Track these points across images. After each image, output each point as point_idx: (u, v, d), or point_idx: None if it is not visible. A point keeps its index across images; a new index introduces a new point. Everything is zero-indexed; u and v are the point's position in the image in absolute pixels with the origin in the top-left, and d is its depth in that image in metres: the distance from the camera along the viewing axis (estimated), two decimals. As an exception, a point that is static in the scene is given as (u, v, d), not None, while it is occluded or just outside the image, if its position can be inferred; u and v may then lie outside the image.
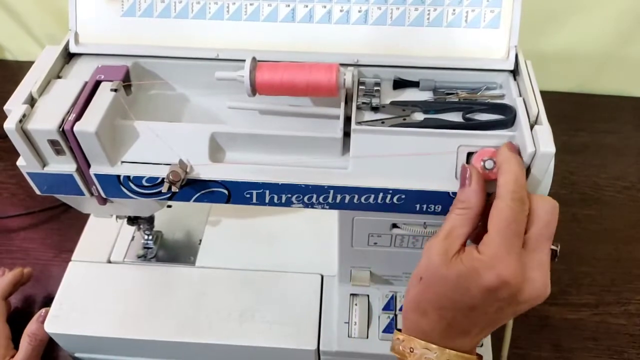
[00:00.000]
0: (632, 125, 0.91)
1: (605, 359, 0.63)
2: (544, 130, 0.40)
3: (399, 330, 0.43)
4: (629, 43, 0.89)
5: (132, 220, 0.58)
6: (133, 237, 0.63)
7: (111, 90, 0.44)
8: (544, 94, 0.43)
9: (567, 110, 0.93)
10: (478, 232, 0.40)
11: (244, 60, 0.43)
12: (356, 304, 0.57)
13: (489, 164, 0.41)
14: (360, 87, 0.46)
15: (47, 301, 0.65)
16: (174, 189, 0.43)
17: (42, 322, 0.57)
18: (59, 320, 0.57)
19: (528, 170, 0.41)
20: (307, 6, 0.46)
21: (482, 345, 0.56)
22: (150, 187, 0.45)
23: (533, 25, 0.87)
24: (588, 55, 0.92)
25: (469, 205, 0.40)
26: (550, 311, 0.68)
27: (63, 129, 0.42)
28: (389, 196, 0.43)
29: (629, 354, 0.64)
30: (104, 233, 0.64)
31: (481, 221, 0.40)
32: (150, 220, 0.60)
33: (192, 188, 0.45)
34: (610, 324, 0.66)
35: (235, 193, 0.45)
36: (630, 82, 0.94)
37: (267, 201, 0.45)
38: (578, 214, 0.78)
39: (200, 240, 0.64)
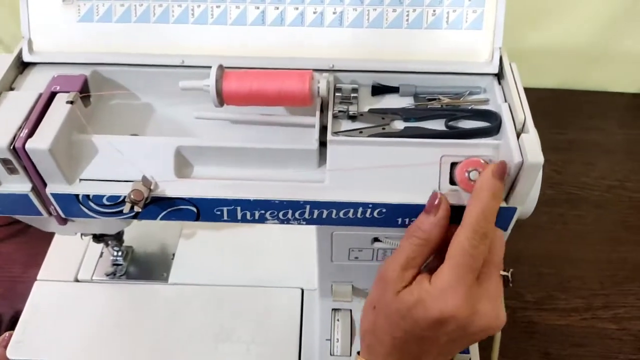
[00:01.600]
0: (617, 122, 0.90)
1: (595, 366, 0.62)
2: (532, 139, 0.37)
3: (359, 353, 0.43)
4: (614, 38, 0.88)
5: (98, 238, 0.55)
6: (101, 254, 0.60)
7: (67, 102, 0.41)
8: (527, 91, 0.41)
9: (550, 107, 0.92)
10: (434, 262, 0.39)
11: (211, 67, 0.40)
12: (338, 320, 0.54)
13: (474, 175, 0.38)
14: (337, 94, 0.43)
15: (15, 321, 0.62)
16: (136, 208, 0.40)
17: (5, 346, 0.54)
18: (22, 345, 0.54)
19: (515, 182, 0.38)
20: (277, 8, 0.43)
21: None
22: (113, 206, 0.42)
23: (514, 20, 0.84)
24: (571, 51, 0.91)
25: (429, 237, 0.39)
26: (538, 317, 0.66)
27: (14, 146, 0.38)
28: (369, 210, 0.41)
29: (619, 359, 0.62)
30: (71, 250, 0.61)
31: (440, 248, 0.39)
32: (118, 236, 0.57)
33: (157, 206, 0.42)
34: (599, 329, 0.65)
35: (204, 210, 0.42)
36: (615, 77, 0.93)
37: (239, 218, 0.43)
38: (565, 215, 0.76)
39: (174, 255, 0.61)
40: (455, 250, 0.37)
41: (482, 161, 0.39)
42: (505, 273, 0.40)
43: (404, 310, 0.38)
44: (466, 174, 0.39)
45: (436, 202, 0.38)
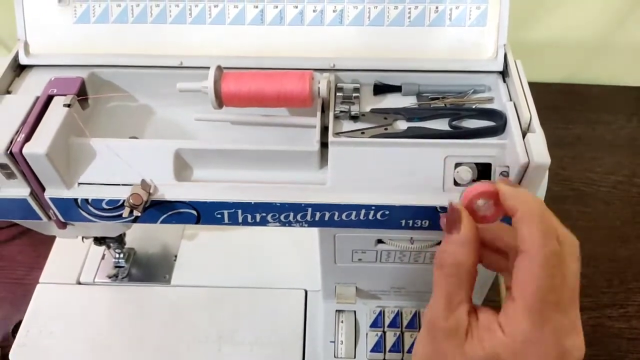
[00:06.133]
0: (625, 116, 0.88)
1: (604, 366, 0.61)
2: (538, 139, 0.36)
3: None
4: (621, 30, 0.86)
5: (99, 241, 0.54)
6: (103, 256, 0.60)
7: (64, 105, 0.41)
8: (533, 85, 0.40)
9: (556, 101, 0.90)
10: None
11: (209, 68, 0.40)
12: (342, 321, 0.54)
13: (484, 206, 0.32)
14: (338, 93, 0.43)
15: (19, 324, 0.61)
16: (135, 212, 0.39)
17: None
18: (25, 349, 0.53)
19: (520, 183, 0.37)
20: (277, 7, 0.43)
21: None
22: (112, 210, 0.41)
23: (520, 13, 0.84)
24: (578, 44, 0.89)
25: (460, 261, 0.31)
26: (545, 316, 0.65)
27: (11, 151, 0.38)
28: (371, 212, 0.40)
29: (629, 359, 0.61)
30: (73, 252, 0.60)
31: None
32: (119, 239, 0.56)
33: (157, 210, 0.41)
34: (608, 328, 0.64)
35: (205, 214, 0.41)
36: (622, 70, 0.91)
37: (240, 221, 0.42)
38: (572, 212, 0.75)
39: (176, 257, 0.61)
40: (528, 286, 0.29)
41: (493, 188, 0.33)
42: None
43: None
44: (475, 205, 0.33)
45: (456, 216, 0.31)
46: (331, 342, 0.53)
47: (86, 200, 0.41)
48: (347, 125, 0.41)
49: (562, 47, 0.89)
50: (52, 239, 0.63)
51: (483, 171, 0.39)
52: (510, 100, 0.40)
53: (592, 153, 0.83)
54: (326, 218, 0.41)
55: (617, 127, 0.87)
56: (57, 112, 0.40)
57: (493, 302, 0.58)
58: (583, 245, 0.72)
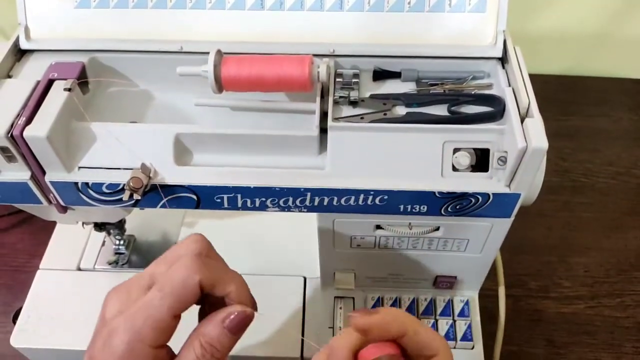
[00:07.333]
0: (625, 108, 0.89)
1: (601, 354, 0.61)
2: (536, 124, 0.37)
3: None
4: (621, 23, 0.86)
5: (100, 227, 0.55)
6: (104, 242, 0.60)
7: (65, 89, 0.41)
8: (533, 77, 0.40)
9: (557, 93, 0.91)
10: None
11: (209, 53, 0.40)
12: (341, 308, 0.54)
13: None
14: (337, 79, 0.43)
15: (20, 310, 0.62)
16: (136, 196, 0.39)
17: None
18: (26, 334, 0.54)
19: (519, 167, 0.37)
20: (277, -8, 0.43)
21: (473, 348, 0.54)
22: (112, 194, 0.41)
23: (520, 5, 0.84)
24: (578, 36, 0.89)
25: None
26: (543, 305, 0.65)
27: (12, 134, 0.38)
28: (370, 197, 0.40)
29: (626, 347, 0.62)
30: (74, 239, 0.60)
31: None
32: (119, 225, 0.56)
33: (157, 194, 0.41)
34: (605, 317, 0.64)
35: (204, 198, 0.42)
36: (622, 63, 0.92)
37: (239, 206, 0.42)
38: (571, 202, 0.75)
39: (176, 244, 0.60)
40: None
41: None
42: None
43: None
44: None
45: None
46: (330, 328, 0.53)
47: (86, 183, 0.41)
48: (347, 111, 0.41)
49: (561, 39, 0.90)
50: (52, 227, 0.64)
51: (481, 156, 0.39)
52: (509, 86, 0.40)
53: (591, 144, 0.83)
54: (325, 203, 0.41)
55: (616, 119, 0.87)
56: (57, 96, 0.40)
57: (490, 290, 0.58)
58: (581, 235, 0.73)
